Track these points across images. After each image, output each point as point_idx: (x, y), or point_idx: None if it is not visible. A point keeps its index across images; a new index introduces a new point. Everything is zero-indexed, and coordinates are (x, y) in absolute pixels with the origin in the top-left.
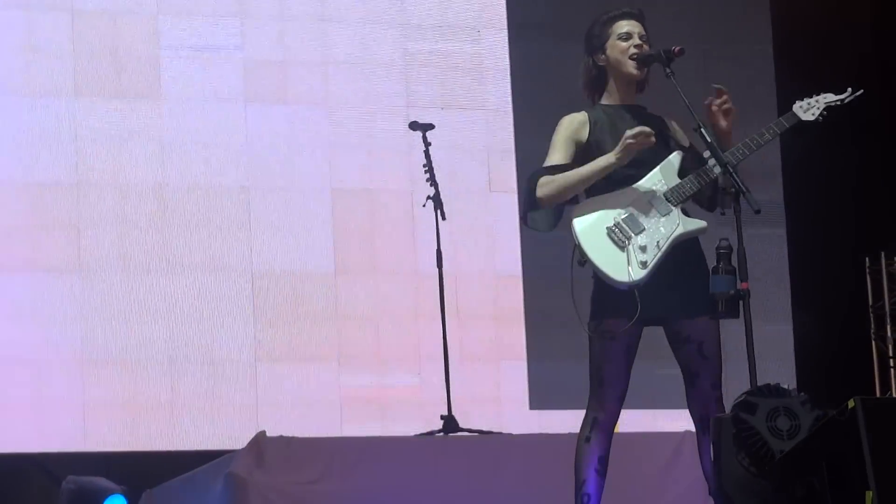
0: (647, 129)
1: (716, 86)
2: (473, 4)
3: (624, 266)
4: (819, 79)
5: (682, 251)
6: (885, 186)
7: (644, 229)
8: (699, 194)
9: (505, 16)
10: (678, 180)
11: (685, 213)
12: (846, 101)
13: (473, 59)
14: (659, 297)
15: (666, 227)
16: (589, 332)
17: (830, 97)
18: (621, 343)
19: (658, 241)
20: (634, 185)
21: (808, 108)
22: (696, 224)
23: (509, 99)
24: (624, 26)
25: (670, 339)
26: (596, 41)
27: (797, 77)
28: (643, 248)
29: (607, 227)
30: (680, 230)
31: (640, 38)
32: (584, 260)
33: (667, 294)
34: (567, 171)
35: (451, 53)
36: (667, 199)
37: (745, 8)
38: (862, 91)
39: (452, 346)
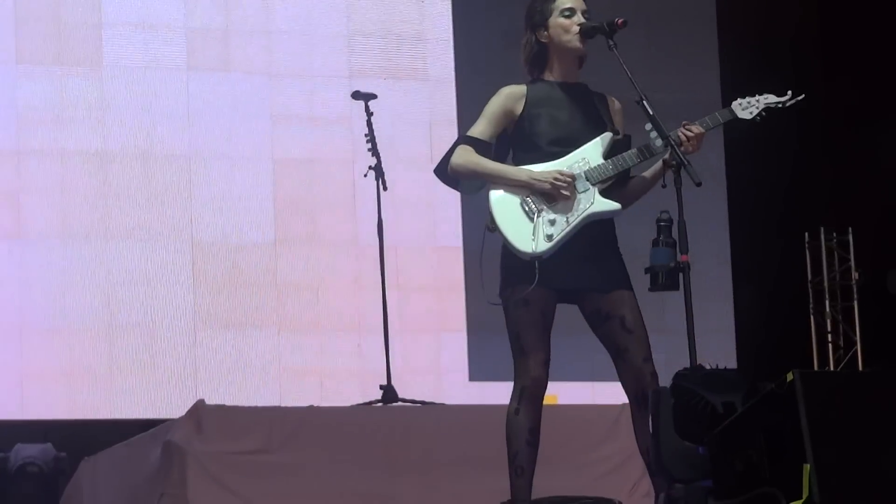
0: (567, 182)
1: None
2: None
3: (529, 237)
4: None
5: (596, 229)
6: (824, 163)
7: (557, 203)
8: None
9: None
10: (602, 161)
11: (603, 194)
12: (786, 104)
13: (416, 29)
14: (570, 271)
15: (580, 204)
16: (502, 301)
17: (771, 98)
18: (534, 308)
19: (569, 217)
20: (558, 160)
21: (747, 107)
22: (610, 205)
23: (452, 69)
24: (567, 2)
25: (590, 320)
26: (538, 17)
27: (742, 50)
28: (552, 222)
29: (521, 198)
30: (592, 209)
31: (583, 14)
32: (493, 227)
33: (579, 268)
34: (487, 147)
35: (393, 23)
36: (586, 178)
37: None
38: (803, 96)
39: (393, 316)
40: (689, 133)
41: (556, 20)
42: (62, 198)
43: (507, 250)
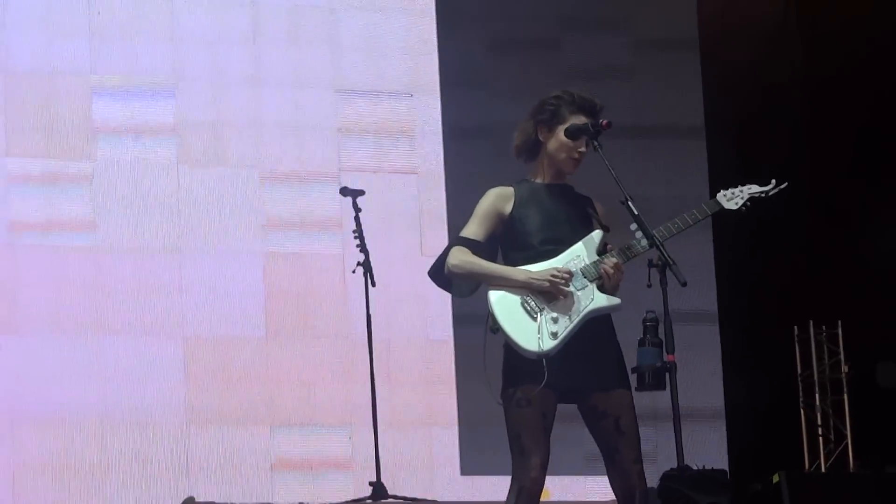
0: (565, 279)
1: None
2: (406, 67)
3: (534, 335)
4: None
5: (595, 326)
6: (811, 256)
7: (558, 301)
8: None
9: (438, 79)
10: (596, 257)
11: (600, 289)
12: (770, 193)
13: (406, 123)
14: (571, 370)
15: (580, 302)
16: (502, 402)
17: (755, 188)
18: (536, 409)
19: (571, 315)
20: (553, 259)
21: (732, 198)
22: (610, 301)
23: (441, 162)
24: (580, 118)
25: (586, 416)
26: (547, 115)
27: (728, 145)
28: (555, 320)
29: (521, 297)
30: (593, 305)
31: (593, 128)
32: (496, 328)
33: (579, 367)
34: (480, 247)
35: (383, 116)
36: (583, 275)
37: (679, 88)
38: (786, 184)
39: (384, 410)
40: (607, 267)
41: (561, 135)
42: (55, 290)
43: (511, 350)
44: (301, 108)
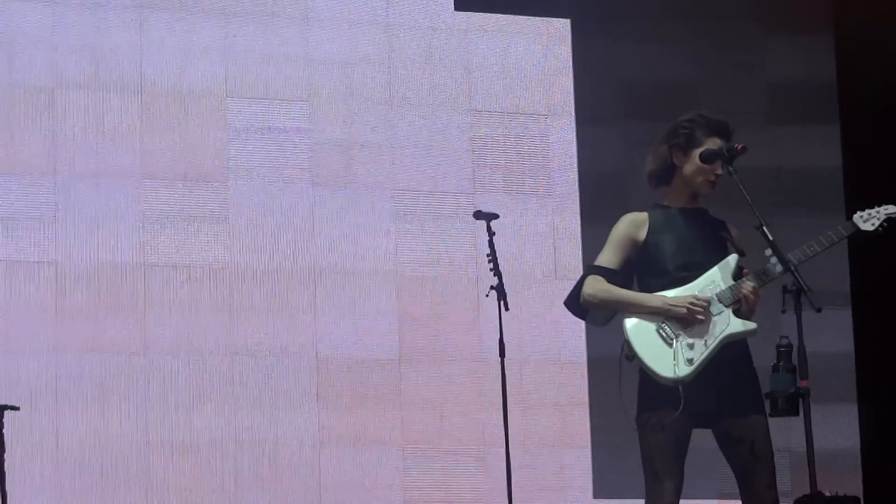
0: (703, 307)
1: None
2: (541, 90)
3: (670, 362)
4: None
5: (731, 351)
6: None
7: (693, 327)
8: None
9: (573, 102)
10: (732, 282)
11: (736, 314)
12: None
13: (540, 145)
14: (706, 395)
15: (716, 327)
16: (637, 426)
17: (892, 209)
18: (670, 435)
19: (706, 340)
20: (689, 285)
21: (868, 219)
22: (747, 325)
23: (576, 185)
24: (715, 142)
25: (721, 441)
26: (682, 140)
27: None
28: (690, 346)
29: (657, 324)
30: (729, 330)
31: (728, 152)
32: (631, 355)
33: (715, 392)
34: (615, 274)
35: (517, 138)
36: (719, 300)
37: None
38: None
39: (516, 434)
40: (746, 292)
41: (697, 159)
42: (186, 313)
43: (646, 376)
44: (434, 129)
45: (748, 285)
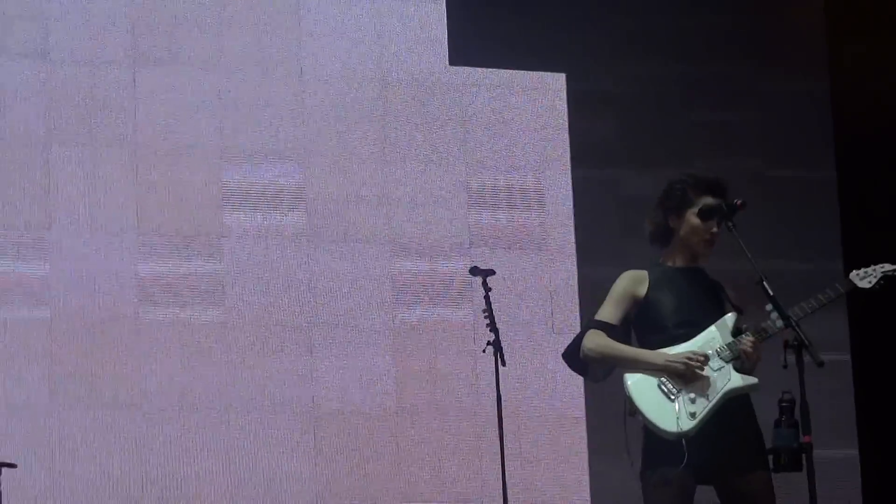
0: (700, 362)
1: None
2: (536, 141)
3: (673, 417)
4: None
5: (734, 407)
6: None
7: (695, 383)
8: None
9: (569, 156)
10: (731, 339)
11: (737, 370)
12: None
13: (535, 197)
14: (710, 450)
15: (717, 382)
16: (642, 482)
17: (888, 267)
18: (675, 489)
19: (709, 395)
20: (689, 342)
21: (865, 277)
22: (748, 380)
23: (572, 238)
24: (710, 199)
25: (724, 498)
26: (675, 202)
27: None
28: (693, 401)
29: (658, 380)
30: (731, 385)
31: (726, 208)
32: (633, 411)
33: (718, 447)
34: (615, 330)
35: (512, 190)
36: (719, 355)
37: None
38: None
39: (515, 488)
40: (746, 347)
41: (692, 218)
42: (181, 364)
43: (649, 432)
44: (429, 181)
45: (748, 340)
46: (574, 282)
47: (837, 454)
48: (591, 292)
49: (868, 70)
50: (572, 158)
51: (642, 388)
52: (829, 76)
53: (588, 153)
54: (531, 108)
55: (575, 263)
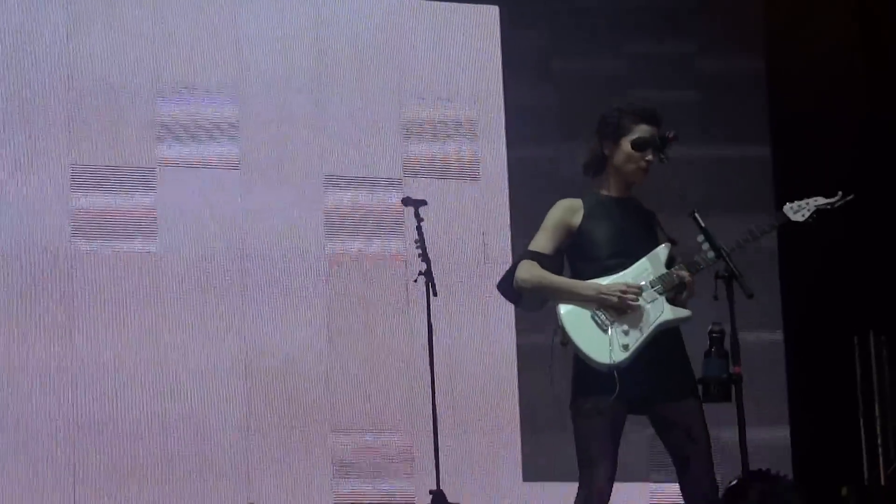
0: (634, 294)
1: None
2: (470, 77)
3: (606, 348)
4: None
5: (665, 338)
6: (874, 266)
7: (627, 315)
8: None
9: (502, 90)
10: (665, 270)
11: (670, 301)
12: (836, 205)
13: (469, 128)
14: (641, 381)
15: (650, 314)
16: (571, 412)
17: (821, 200)
18: (605, 420)
19: (641, 327)
20: (621, 273)
21: (798, 210)
22: (681, 312)
23: (505, 169)
24: (644, 131)
25: (657, 426)
26: (610, 129)
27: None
28: (626, 332)
29: (591, 311)
30: (663, 318)
31: (660, 140)
32: (566, 341)
33: (649, 378)
34: (548, 259)
35: (447, 122)
36: (652, 287)
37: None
38: (852, 196)
39: (445, 416)
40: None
41: (626, 147)
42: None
43: (580, 362)
44: (366, 112)
45: (681, 273)
46: (507, 213)
47: (766, 385)
48: (524, 223)
49: (804, 49)
50: (506, 92)
51: (575, 319)
52: (765, 55)
53: (523, 87)
54: (466, 42)
55: (507, 192)
